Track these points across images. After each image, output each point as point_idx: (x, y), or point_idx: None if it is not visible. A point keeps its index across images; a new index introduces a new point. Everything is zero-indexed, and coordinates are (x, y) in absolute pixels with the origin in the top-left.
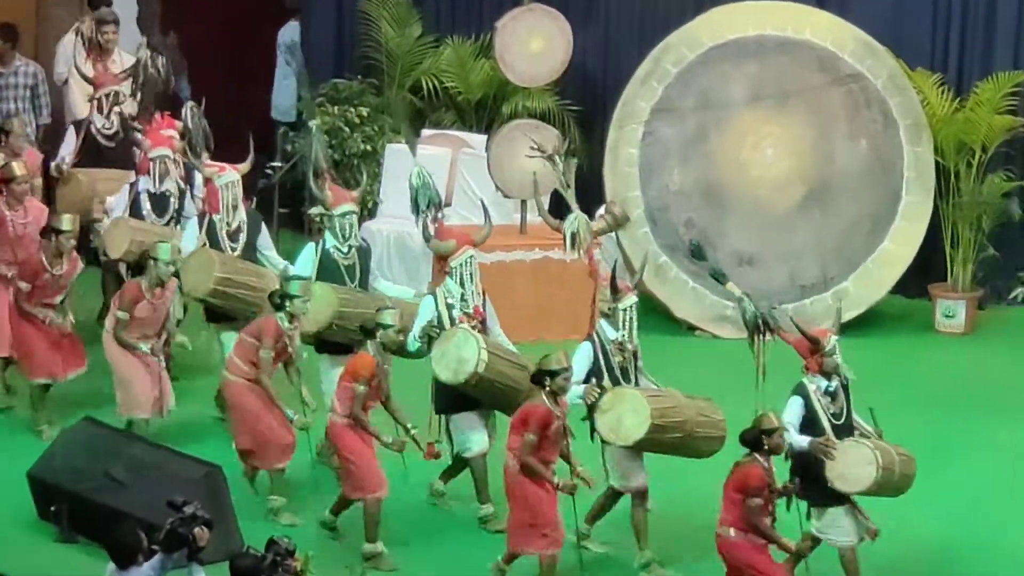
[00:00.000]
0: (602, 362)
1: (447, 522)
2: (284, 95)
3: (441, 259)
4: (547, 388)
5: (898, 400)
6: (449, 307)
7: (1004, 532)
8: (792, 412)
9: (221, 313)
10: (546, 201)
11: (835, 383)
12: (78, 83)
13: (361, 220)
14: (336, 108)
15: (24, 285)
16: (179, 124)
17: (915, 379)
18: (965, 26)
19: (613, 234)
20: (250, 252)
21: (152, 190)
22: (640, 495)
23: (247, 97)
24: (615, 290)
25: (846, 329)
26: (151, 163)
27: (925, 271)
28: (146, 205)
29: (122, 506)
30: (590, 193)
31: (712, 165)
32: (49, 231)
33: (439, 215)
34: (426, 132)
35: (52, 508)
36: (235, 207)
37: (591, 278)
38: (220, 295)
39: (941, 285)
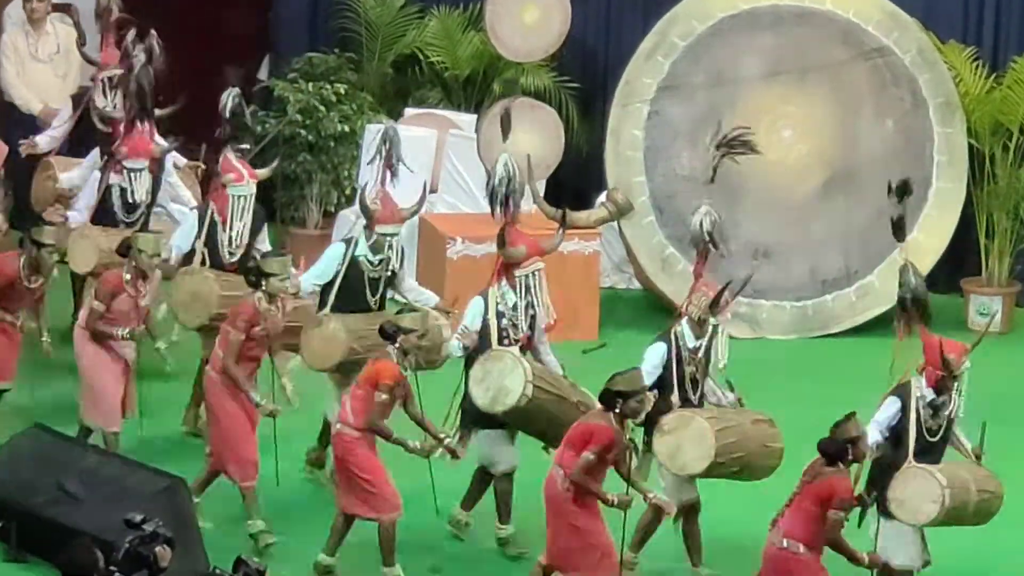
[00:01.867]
0: (674, 369)
1: (468, 547)
2: None
3: (507, 265)
4: (617, 410)
5: None
6: (499, 315)
7: None
8: (885, 414)
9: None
10: (541, 187)
11: (944, 398)
12: (8, 60)
13: (338, 207)
14: (311, 85)
15: None
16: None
17: None
18: None
19: (615, 224)
20: (246, 259)
21: (125, 187)
22: (692, 509)
23: (213, 72)
24: (715, 305)
25: (872, 328)
26: (125, 171)
27: (957, 264)
28: (116, 201)
29: (76, 522)
30: (590, 179)
31: None
32: (30, 241)
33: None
34: (409, 111)
35: (0, 524)
36: (242, 220)
37: (694, 278)
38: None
39: (975, 280)
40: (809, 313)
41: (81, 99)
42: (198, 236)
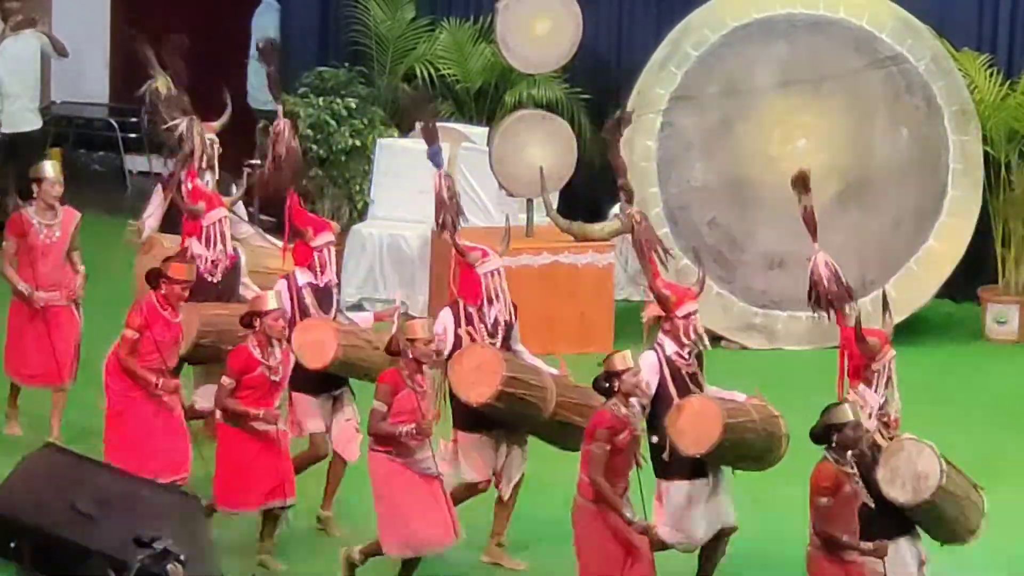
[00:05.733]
0: None
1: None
2: (262, 80)
3: (861, 362)
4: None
5: (944, 416)
6: (868, 416)
7: None
8: None
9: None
10: (555, 200)
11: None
12: None
13: (350, 222)
14: (321, 99)
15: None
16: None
17: (963, 392)
18: (1016, 1)
19: (629, 236)
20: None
21: (315, 282)
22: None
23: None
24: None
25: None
26: (316, 253)
27: (974, 272)
28: (311, 300)
29: (90, 542)
30: (603, 190)
31: (738, 158)
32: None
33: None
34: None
35: (12, 544)
36: (499, 298)
37: None
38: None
39: (992, 288)
40: (825, 324)
41: (169, 181)
42: (457, 324)
